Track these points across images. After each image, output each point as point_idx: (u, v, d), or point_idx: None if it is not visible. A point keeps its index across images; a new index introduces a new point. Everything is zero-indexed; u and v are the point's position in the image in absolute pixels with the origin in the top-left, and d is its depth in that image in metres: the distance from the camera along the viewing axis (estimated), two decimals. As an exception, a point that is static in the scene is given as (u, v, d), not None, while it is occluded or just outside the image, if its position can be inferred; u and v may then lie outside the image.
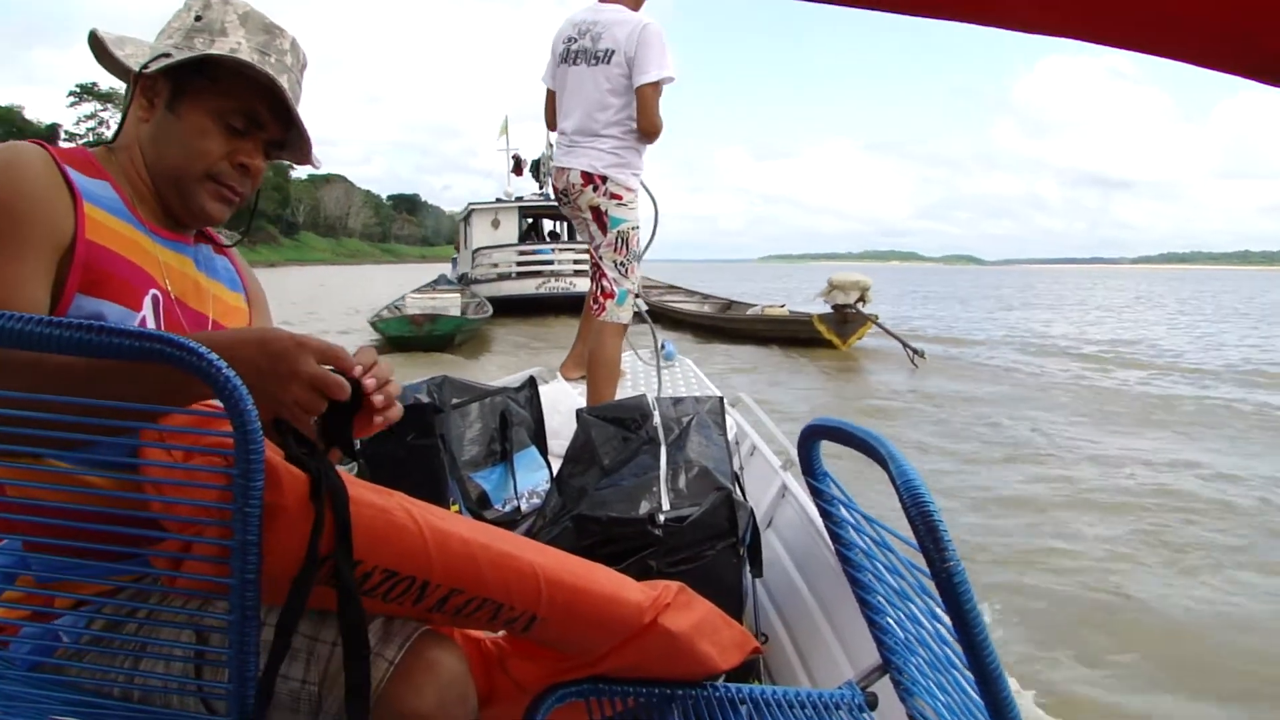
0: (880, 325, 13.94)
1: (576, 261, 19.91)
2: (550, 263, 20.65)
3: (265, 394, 0.98)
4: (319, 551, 0.99)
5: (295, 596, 0.99)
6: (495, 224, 22.73)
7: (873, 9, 0.49)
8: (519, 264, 20.78)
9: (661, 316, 18.90)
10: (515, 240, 22.10)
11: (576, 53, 3.74)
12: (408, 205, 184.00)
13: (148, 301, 1.21)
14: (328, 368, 1.06)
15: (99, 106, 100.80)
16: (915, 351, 12.41)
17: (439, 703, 1.07)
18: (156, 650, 1.11)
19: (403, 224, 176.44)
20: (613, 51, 3.64)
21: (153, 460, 0.99)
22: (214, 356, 0.86)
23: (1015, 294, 48.95)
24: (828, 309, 14.30)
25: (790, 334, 15.00)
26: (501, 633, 1.31)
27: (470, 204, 24.37)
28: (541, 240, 23.42)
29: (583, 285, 18.57)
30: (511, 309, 19.55)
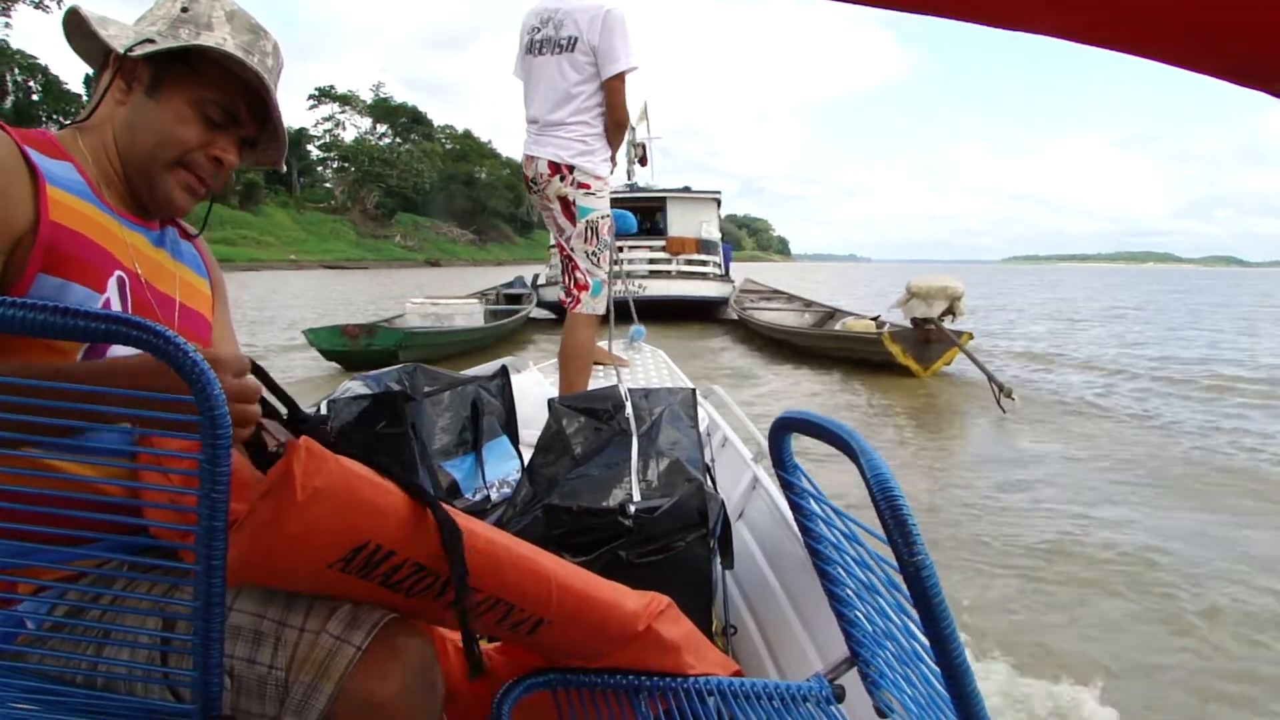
0: (965, 351, 10.00)
1: (653, 261, 18.19)
2: (618, 262, 18.12)
3: None
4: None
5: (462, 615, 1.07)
6: None
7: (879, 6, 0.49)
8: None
9: (739, 325, 16.81)
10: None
11: (540, 42, 3.69)
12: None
13: (112, 283, 1.20)
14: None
15: (337, 108, 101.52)
16: (1001, 389, 8.34)
17: (405, 689, 1.07)
18: (121, 637, 1.10)
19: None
20: (575, 39, 3.59)
21: (117, 445, 0.98)
22: (180, 339, 0.85)
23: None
24: (906, 324, 10.72)
25: (860, 355, 11.44)
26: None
27: None
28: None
29: (655, 288, 17.08)
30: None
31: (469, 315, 12.46)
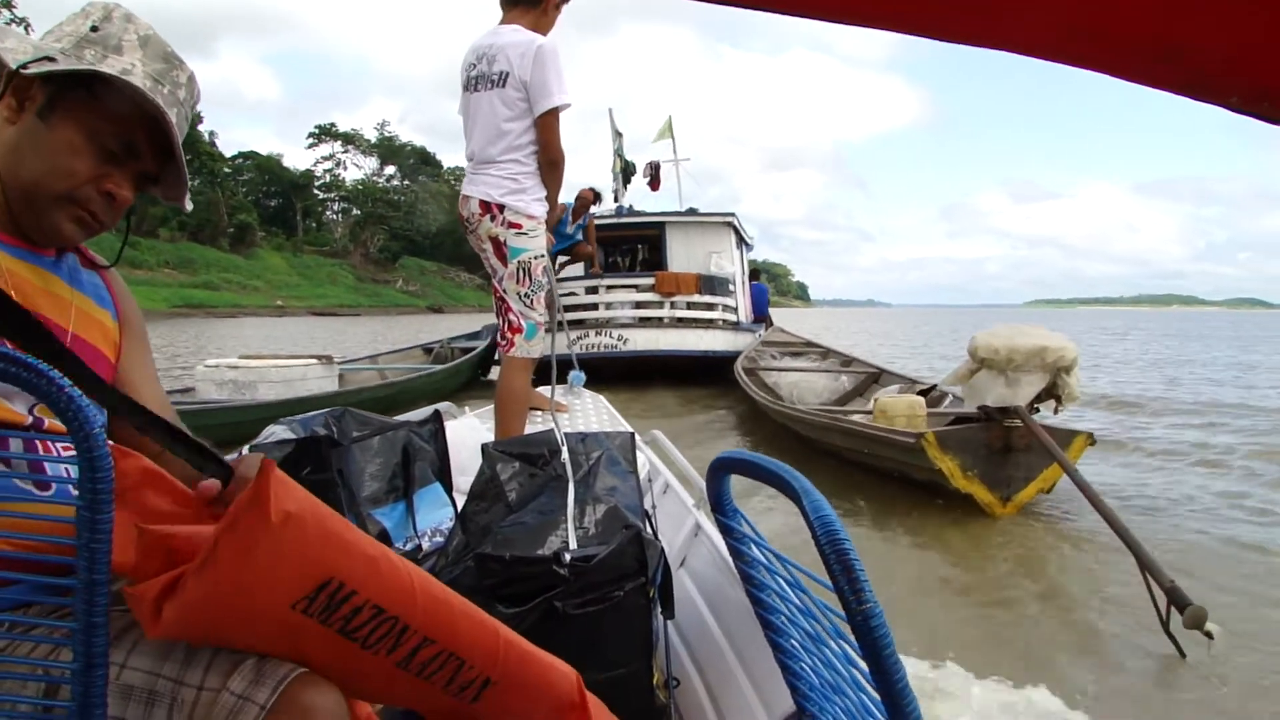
0: (1080, 482, 4.63)
1: (640, 304, 13.68)
2: (595, 307, 13.69)
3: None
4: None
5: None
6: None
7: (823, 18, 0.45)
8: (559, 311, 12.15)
9: (743, 395, 10.27)
10: (582, 274, 14.23)
11: (476, 79, 3.65)
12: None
13: None
14: None
15: (338, 147, 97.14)
16: (1181, 609, 3.37)
17: None
18: None
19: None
20: (507, 74, 3.54)
21: None
22: (55, 374, 0.77)
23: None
24: (969, 411, 5.81)
25: (892, 465, 6.06)
26: None
27: None
28: (612, 271, 15.63)
29: (641, 340, 13.41)
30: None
31: (285, 384, 9.02)
